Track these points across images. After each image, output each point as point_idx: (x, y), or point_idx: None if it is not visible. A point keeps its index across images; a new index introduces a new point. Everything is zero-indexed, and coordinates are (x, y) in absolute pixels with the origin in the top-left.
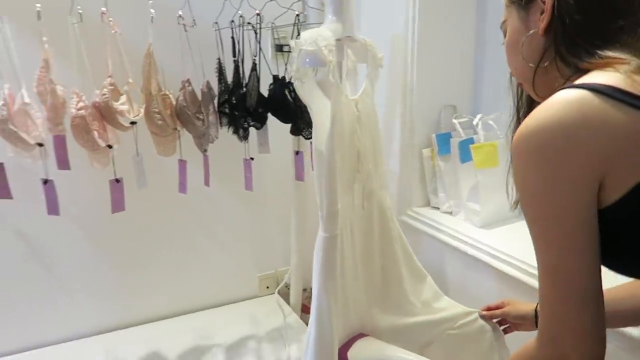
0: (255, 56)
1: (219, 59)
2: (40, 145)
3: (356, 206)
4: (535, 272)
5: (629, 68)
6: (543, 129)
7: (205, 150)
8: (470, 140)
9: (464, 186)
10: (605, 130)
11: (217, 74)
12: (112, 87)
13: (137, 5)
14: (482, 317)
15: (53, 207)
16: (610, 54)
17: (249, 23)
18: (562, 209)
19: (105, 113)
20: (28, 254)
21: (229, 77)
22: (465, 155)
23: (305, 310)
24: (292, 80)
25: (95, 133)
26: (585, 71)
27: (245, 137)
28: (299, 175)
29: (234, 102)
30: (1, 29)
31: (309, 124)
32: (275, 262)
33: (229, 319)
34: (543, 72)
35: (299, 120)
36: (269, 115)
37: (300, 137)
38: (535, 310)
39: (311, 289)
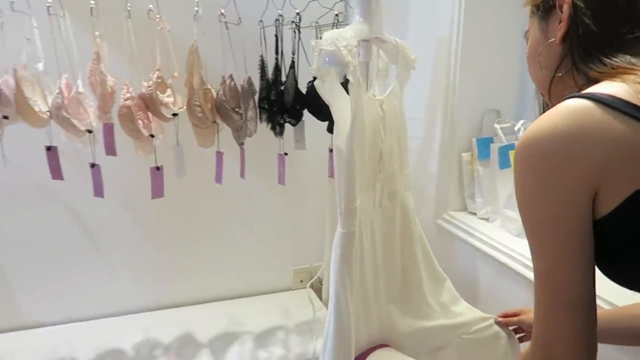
0: (294, 54)
1: (261, 56)
2: (90, 131)
3: (377, 205)
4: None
5: (636, 79)
6: (541, 137)
7: (242, 144)
8: (511, 146)
9: (502, 193)
10: (602, 140)
11: (259, 71)
12: (159, 81)
13: (185, 3)
14: (498, 323)
15: (98, 190)
16: (620, 63)
17: (292, 22)
18: (556, 216)
19: (149, 104)
20: (78, 231)
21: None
22: (504, 161)
23: None
24: (313, 79)
25: (140, 122)
26: (596, 81)
27: (280, 132)
28: (333, 173)
29: (272, 98)
30: (62, 24)
31: None
32: (310, 258)
33: (262, 308)
34: (559, 81)
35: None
36: (308, 113)
37: None
38: None
39: None
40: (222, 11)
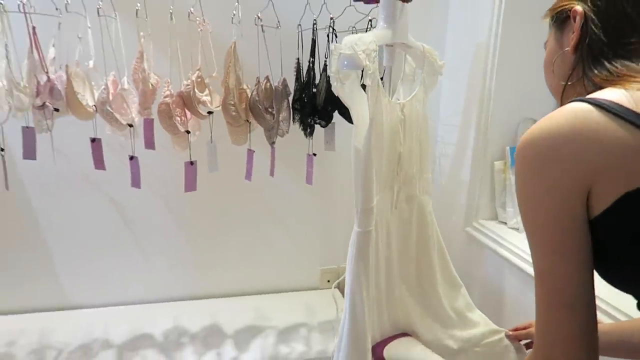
0: (327, 57)
1: (297, 59)
2: (130, 125)
3: (394, 207)
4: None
5: (636, 86)
6: (539, 137)
7: (273, 143)
8: None
9: None
10: (596, 142)
11: (294, 73)
12: (199, 80)
13: (227, 6)
14: (508, 337)
15: (136, 181)
16: (624, 70)
17: (330, 26)
18: (551, 214)
19: (187, 102)
20: (118, 221)
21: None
22: None
23: None
24: (331, 81)
25: (178, 119)
26: (601, 88)
27: (310, 133)
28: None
29: (305, 99)
30: (112, 25)
31: None
32: (338, 258)
33: (287, 305)
34: (571, 89)
35: None
36: (339, 116)
37: None
38: None
39: None
40: (259, 15)
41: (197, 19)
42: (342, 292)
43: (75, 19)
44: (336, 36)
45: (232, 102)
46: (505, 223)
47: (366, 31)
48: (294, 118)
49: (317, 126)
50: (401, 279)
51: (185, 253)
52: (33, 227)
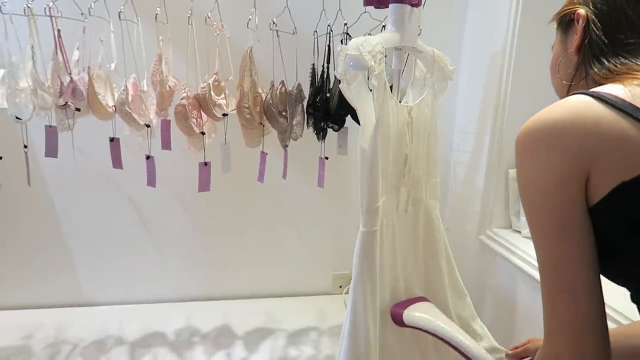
0: None
1: (313, 64)
2: (148, 126)
3: (400, 210)
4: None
5: (633, 81)
6: (539, 125)
7: (286, 146)
8: None
9: None
10: (594, 131)
11: (310, 78)
12: (216, 84)
13: (246, 12)
14: (508, 356)
15: (151, 180)
16: (623, 68)
17: (345, 33)
18: (549, 198)
19: (203, 104)
20: (135, 220)
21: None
22: None
23: None
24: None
25: (193, 120)
26: (601, 85)
27: (323, 137)
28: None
29: (318, 104)
30: (135, 29)
31: None
32: (350, 264)
33: (299, 309)
34: (575, 90)
35: None
36: (353, 121)
37: None
38: None
39: None
40: (274, 20)
41: (214, 23)
42: None
43: (98, 23)
44: (342, 42)
45: (247, 105)
46: (519, 232)
47: None
48: (308, 122)
49: (329, 130)
50: (405, 281)
51: (199, 253)
52: (53, 224)
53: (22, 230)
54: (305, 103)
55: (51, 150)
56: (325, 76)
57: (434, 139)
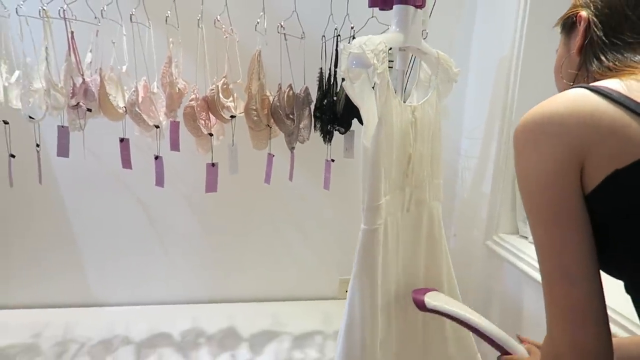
0: None
1: (320, 68)
2: (157, 127)
3: (403, 209)
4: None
5: (630, 76)
6: (539, 116)
7: (293, 148)
8: None
9: None
10: (590, 120)
11: (317, 82)
12: (224, 87)
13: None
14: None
15: (159, 180)
16: (620, 65)
17: (352, 37)
18: (550, 187)
19: (211, 106)
20: (143, 218)
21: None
22: None
23: None
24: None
25: (202, 122)
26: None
27: (329, 140)
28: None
29: (325, 107)
30: (146, 33)
31: None
32: None
33: (305, 313)
34: None
35: None
36: (359, 124)
37: None
38: None
39: None
40: (282, 23)
41: (223, 26)
42: None
43: (111, 27)
44: None
45: (254, 107)
46: (526, 237)
47: None
48: (315, 125)
49: (336, 133)
50: (406, 280)
51: (206, 253)
52: (63, 224)
53: (32, 229)
54: (312, 106)
55: (63, 150)
56: (332, 80)
57: (438, 140)
